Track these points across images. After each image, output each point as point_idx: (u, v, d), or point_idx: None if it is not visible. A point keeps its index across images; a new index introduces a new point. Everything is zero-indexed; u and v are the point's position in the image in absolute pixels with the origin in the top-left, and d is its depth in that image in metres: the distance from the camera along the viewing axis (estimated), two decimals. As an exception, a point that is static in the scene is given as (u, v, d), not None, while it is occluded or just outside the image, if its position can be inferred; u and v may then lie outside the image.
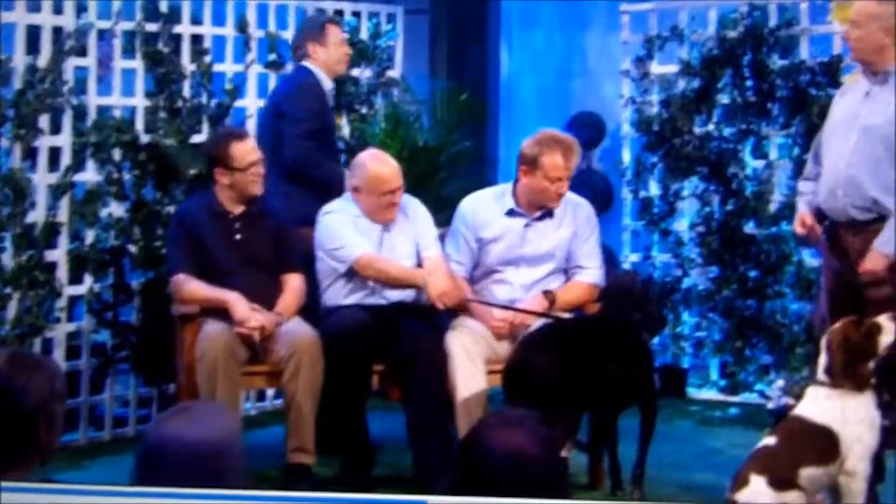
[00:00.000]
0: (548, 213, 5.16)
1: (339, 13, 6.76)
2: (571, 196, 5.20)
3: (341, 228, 5.12)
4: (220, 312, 4.98)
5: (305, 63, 5.71)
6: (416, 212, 5.27)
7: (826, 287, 4.76)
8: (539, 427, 2.52)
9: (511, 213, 5.17)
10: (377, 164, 5.16)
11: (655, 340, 6.67)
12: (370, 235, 5.14)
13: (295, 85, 5.71)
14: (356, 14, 6.83)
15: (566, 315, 5.06)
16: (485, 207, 5.20)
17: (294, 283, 5.17)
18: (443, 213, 5.50)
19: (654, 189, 6.80)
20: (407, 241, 5.18)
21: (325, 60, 5.69)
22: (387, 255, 5.14)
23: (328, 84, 5.72)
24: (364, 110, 6.78)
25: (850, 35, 4.54)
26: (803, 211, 4.76)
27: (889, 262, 4.42)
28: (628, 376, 4.87)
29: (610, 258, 6.62)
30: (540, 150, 5.03)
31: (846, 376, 4.17)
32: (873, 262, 4.45)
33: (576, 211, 5.20)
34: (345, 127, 6.68)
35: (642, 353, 4.95)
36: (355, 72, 6.72)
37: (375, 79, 6.84)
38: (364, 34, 6.81)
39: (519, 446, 2.47)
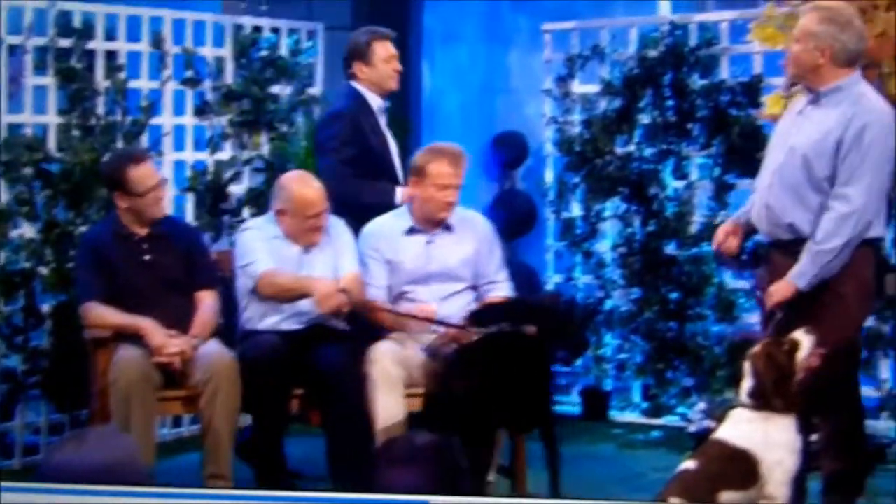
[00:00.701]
0: (447, 228, 5.15)
1: (258, 29, 6.70)
2: (466, 211, 5.24)
3: (252, 244, 5.10)
4: (134, 336, 4.90)
5: (353, 83, 5.56)
6: (339, 231, 5.23)
7: (761, 304, 4.73)
8: (443, 452, 2.50)
9: (411, 230, 5.16)
10: (302, 187, 5.11)
11: (578, 362, 6.70)
12: (289, 256, 5.10)
13: (328, 113, 5.61)
14: (275, 30, 6.77)
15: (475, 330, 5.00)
16: (386, 229, 5.19)
17: (207, 302, 5.12)
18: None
19: (576, 209, 6.79)
20: (326, 262, 5.14)
21: (373, 79, 5.52)
22: (306, 274, 5.08)
23: (377, 102, 5.54)
24: (284, 128, 6.72)
25: (791, 50, 4.54)
26: (727, 222, 4.74)
27: (795, 293, 4.41)
28: (528, 398, 4.82)
29: (533, 279, 6.62)
30: (426, 159, 5.07)
31: (775, 397, 4.16)
32: (780, 290, 4.43)
33: (474, 225, 5.23)
34: (264, 145, 6.61)
35: (542, 373, 4.90)
36: (275, 89, 6.68)
37: (296, 96, 6.78)
38: (284, 51, 6.75)
39: (417, 472, 2.45)
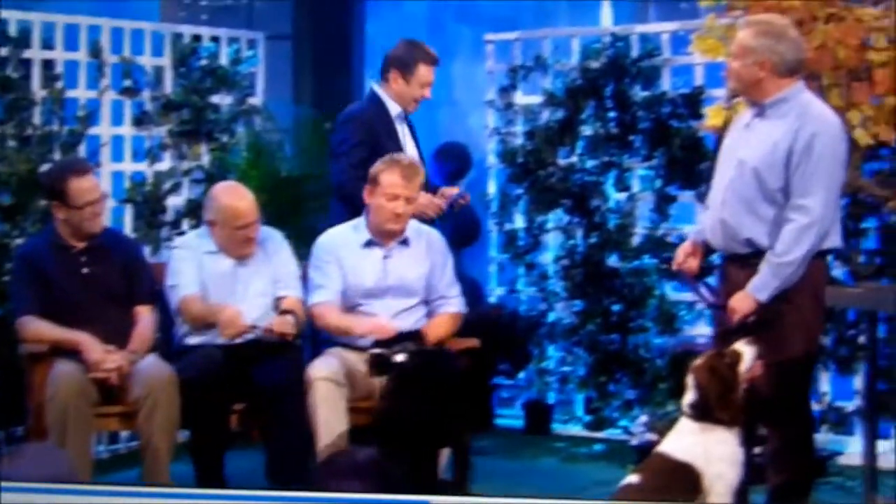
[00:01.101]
0: (404, 243, 5.13)
1: (198, 38, 6.65)
2: (422, 226, 5.22)
3: (178, 265, 5.09)
4: (72, 351, 4.84)
5: (378, 88, 5.51)
6: (277, 247, 5.20)
7: (717, 320, 4.72)
8: (384, 467, 2.49)
9: (369, 243, 5.14)
10: (231, 197, 5.10)
11: (521, 376, 6.69)
12: (221, 271, 5.07)
13: (342, 116, 5.51)
14: (215, 39, 6.73)
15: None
16: (343, 241, 5.16)
17: (145, 316, 5.09)
18: (308, 245, 5.40)
19: (519, 221, 6.78)
20: (262, 279, 5.12)
21: (400, 94, 5.47)
22: (240, 292, 5.07)
23: (395, 109, 5.49)
24: (224, 139, 6.67)
25: (731, 66, 4.55)
26: (686, 242, 4.75)
27: (757, 306, 4.41)
28: (444, 416, 4.82)
29: (476, 291, 6.59)
30: (381, 168, 5.06)
31: (718, 409, 4.16)
32: (741, 304, 4.43)
33: (430, 239, 5.21)
34: (204, 156, 6.56)
35: (455, 391, 4.88)
36: (215, 98, 6.64)
37: (236, 106, 6.75)
38: (224, 60, 6.71)
39: (358, 487, 2.44)
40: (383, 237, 5.12)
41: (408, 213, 5.09)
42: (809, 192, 4.34)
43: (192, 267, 5.07)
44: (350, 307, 5.11)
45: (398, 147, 5.42)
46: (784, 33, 4.44)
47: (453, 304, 5.18)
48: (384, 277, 5.10)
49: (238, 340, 5.00)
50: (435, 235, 5.23)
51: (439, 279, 5.16)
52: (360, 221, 5.18)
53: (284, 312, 5.03)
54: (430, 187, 5.50)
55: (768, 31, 4.44)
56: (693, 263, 4.67)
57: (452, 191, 5.58)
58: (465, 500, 2.21)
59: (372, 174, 5.06)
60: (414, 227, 5.17)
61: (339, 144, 5.42)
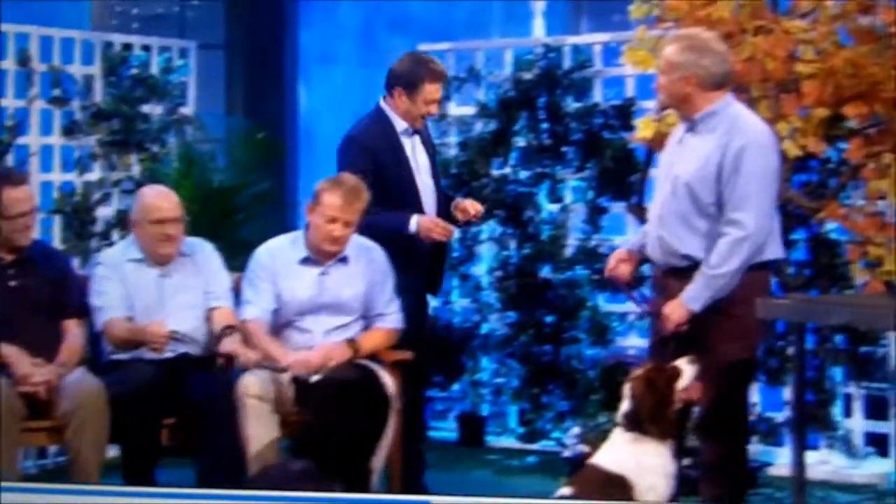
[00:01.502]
0: (342, 260, 5.08)
1: (128, 47, 6.59)
2: (364, 241, 5.15)
3: (102, 285, 5.03)
4: (-2, 365, 4.78)
5: (384, 103, 5.33)
6: (207, 258, 5.15)
7: (654, 329, 4.74)
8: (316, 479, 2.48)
9: (306, 260, 5.08)
10: (151, 194, 5.13)
11: (455, 387, 6.68)
12: (146, 281, 5.03)
13: (345, 136, 5.34)
14: (146, 48, 6.68)
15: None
16: (280, 256, 5.11)
17: (74, 330, 5.03)
18: (240, 257, 5.36)
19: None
20: (191, 291, 5.08)
21: (406, 111, 5.27)
22: (168, 304, 5.02)
23: (401, 125, 5.30)
24: (155, 149, 6.61)
25: (658, 81, 4.57)
26: (621, 249, 4.76)
27: (689, 315, 4.44)
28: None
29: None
30: (323, 187, 5.00)
31: (651, 423, 4.18)
32: (674, 312, 4.45)
33: (370, 255, 5.14)
34: (134, 166, 6.49)
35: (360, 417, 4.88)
36: (146, 108, 6.59)
37: (167, 116, 6.69)
38: (155, 69, 6.65)
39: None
40: (320, 255, 5.07)
41: (345, 236, 5.01)
42: (741, 206, 4.36)
43: (115, 285, 5.01)
44: (284, 323, 5.07)
45: (402, 164, 5.27)
46: (708, 47, 4.47)
47: (390, 320, 5.13)
48: (319, 295, 5.05)
49: (168, 354, 4.95)
50: (377, 252, 5.15)
51: (378, 296, 5.11)
52: (298, 235, 5.13)
53: (227, 329, 4.99)
54: (441, 200, 5.38)
55: (693, 46, 4.46)
56: (624, 270, 4.69)
57: (466, 204, 5.36)
58: (465, 499, 2.21)
59: (315, 190, 5.01)
60: (355, 243, 5.10)
61: (342, 168, 5.25)
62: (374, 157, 5.22)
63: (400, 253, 5.16)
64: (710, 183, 4.40)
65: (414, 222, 5.17)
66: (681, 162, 4.50)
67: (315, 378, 4.82)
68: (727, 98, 4.49)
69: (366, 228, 5.11)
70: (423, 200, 5.31)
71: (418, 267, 5.31)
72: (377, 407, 4.85)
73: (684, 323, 4.41)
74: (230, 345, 4.95)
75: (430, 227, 5.18)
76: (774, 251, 4.51)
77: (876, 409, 5.99)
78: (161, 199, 5.06)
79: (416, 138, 5.36)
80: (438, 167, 5.58)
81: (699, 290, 4.40)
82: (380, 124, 5.31)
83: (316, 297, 5.05)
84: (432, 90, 5.26)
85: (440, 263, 5.54)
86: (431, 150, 5.47)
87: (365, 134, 5.30)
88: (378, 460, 4.88)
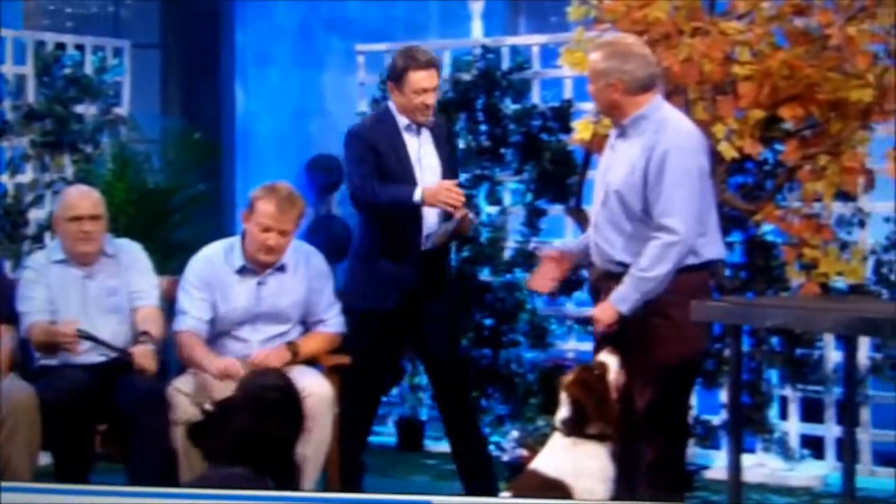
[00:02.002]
0: (280, 269, 5.03)
1: (61, 46, 6.52)
2: (303, 246, 5.11)
3: (27, 290, 4.97)
4: (-75, 371, 4.68)
5: (390, 102, 5.26)
6: (133, 259, 5.09)
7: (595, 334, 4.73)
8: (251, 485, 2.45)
9: (242, 270, 5.01)
10: (71, 191, 5.14)
11: (393, 392, 6.63)
12: (70, 281, 4.97)
13: (348, 132, 5.24)
14: (80, 48, 6.62)
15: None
16: (217, 266, 5.02)
17: (5, 336, 4.92)
18: (175, 259, 5.30)
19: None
20: (115, 295, 5.01)
21: (401, 105, 5.16)
22: (91, 306, 4.96)
23: (403, 121, 5.18)
24: (89, 150, 6.53)
25: (588, 89, 4.57)
26: (552, 249, 4.75)
27: (618, 317, 4.43)
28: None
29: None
30: (258, 195, 4.94)
31: (596, 423, 4.18)
32: (603, 314, 4.45)
33: (308, 260, 5.09)
34: (68, 167, 6.41)
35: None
36: (79, 108, 6.52)
37: (101, 116, 6.62)
38: (89, 69, 6.58)
39: None
40: (257, 265, 5.00)
41: (282, 246, 4.94)
42: (669, 211, 4.36)
43: (39, 289, 4.95)
44: (221, 332, 5.01)
45: (404, 160, 5.16)
46: (630, 52, 4.48)
47: (330, 325, 5.09)
48: (257, 305, 4.99)
49: (101, 359, 4.88)
50: (316, 258, 5.11)
51: (317, 302, 5.06)
52: (235, 242, 5.04)
53: (142, 335, 4.92)
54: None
55: (615, 53, 4.48)
56: (543, 285, 4.69)
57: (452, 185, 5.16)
58: (465, 500, 2.18)
59: (250, 198, 4.95)
60: (293, 249, 5.03)
61: (346, 160, 5.27)
62: (374, 151, 5.14)
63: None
64: (638, 189, 4.40)
65: (419, 191, 5.05)
66: (612, 169, 4.51)
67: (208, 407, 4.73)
68: (655, 100, 4.50)
69: (367, 207, 5.06)
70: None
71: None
72: (285, 406, 4.76)
73: (614, 324, 4.41)
74: (140, 357, 4.85)
75: (436, 191, 5.04)
76: (714, 251, 4.52)
77: (812, 411, 6.03)
78: (79, 197, 5.01)
79: (426, 136, 5.23)
80: (456, 170, 5.50)
81: (628, 291, 4.40)
82: (382, 120, 5.25)
83: (253, 307, 4.99)
84: (417, 78, 5.12)
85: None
86: (446, 150, 5.33)
87: (365, 129, 5.25)
88: (301, 456, 4.81)
